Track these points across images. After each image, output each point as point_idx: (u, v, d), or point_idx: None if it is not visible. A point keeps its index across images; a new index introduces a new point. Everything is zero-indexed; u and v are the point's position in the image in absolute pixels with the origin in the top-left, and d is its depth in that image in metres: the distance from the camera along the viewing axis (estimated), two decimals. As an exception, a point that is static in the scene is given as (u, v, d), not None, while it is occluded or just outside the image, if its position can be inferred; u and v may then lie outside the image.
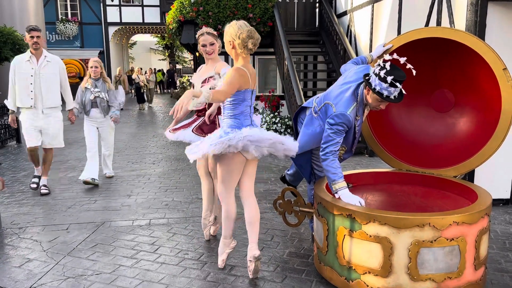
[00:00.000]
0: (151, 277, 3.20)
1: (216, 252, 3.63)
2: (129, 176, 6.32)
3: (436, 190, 3.46)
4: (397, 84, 2.92)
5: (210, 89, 2.81)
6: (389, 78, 2.89)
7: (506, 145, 4.58)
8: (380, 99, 3.00)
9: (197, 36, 3.75)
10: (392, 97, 2.97)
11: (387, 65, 2.93)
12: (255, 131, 3.03)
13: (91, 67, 5.79)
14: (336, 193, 3.03)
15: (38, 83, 5.22)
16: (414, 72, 2.99)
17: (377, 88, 2.96)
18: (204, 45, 3.68)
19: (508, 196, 4.87)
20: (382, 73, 2.92)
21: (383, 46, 3.65)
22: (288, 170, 4.11)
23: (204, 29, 3.74)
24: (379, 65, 2.98)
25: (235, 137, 2.95)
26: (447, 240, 2.63)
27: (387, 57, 3.01)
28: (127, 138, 9.94)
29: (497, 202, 4.81)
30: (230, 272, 3.27)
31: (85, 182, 5.65)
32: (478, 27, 4.47)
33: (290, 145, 3.10)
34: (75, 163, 7.24)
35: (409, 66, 3.00)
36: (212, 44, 3.71)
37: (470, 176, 4.69)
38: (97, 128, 5.96)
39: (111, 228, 4.22)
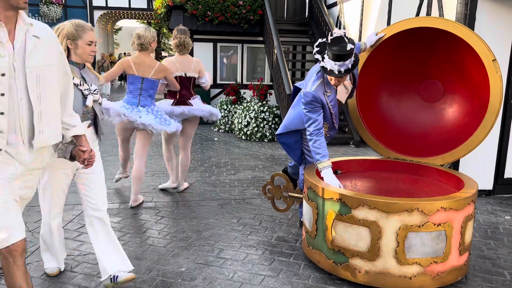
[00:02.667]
0: (139, 259, 3.19)
1: (204, 235, 3.64)
2: (115, 160, 6.25)
3: (423, 177, 3.52)
4: (330, 57, 2.96)
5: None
6: (327, 53, 2.99)
7: (491, 138, 4.69)
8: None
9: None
10: (336, 71, 2.99)
11: (329, 39, 2.99)
12: (114, 104, 4.05)
13: (89, 44, 2.66)
14: (321, 171, 3.11)
15: (16, 91, 1.95)
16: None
17: (322, 63, 3.05)
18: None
19: (490, 187, 4.98)
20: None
21: (376, 35, 3.67)
22: (290, 163, 4.11)
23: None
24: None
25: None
26: (434, 225, 2.68)
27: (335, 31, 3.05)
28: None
29: (480, 193, 4.91)
30: (219, 255, 3.28)
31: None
32: (468, 19, 4.52)
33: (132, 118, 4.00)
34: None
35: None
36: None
37: (455, 167, 4.78)
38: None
39: (98, 210, 4.18)
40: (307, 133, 3.21)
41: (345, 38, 2.98)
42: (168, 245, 3.44)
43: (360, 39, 8.27)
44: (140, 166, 4.26)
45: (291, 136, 3.62)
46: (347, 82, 3.37)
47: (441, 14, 5.37)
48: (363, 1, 8.18)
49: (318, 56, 3.10)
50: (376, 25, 7.53)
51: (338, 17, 9.64)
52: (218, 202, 4.52)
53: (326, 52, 3.02)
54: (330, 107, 3.29)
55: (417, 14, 6.01)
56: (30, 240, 3.46)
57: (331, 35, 3.00)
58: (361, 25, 8.27)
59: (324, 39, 3.10)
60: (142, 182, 4.51)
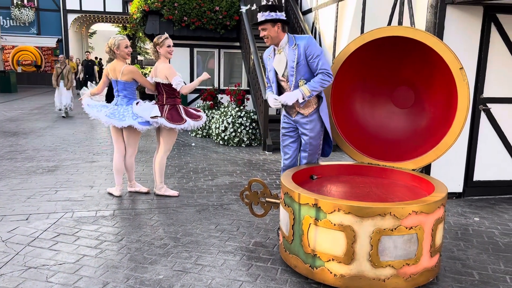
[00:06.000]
0: (116, 267, 3.18)
1: (182, 242, 3.65)
2: (90, 167, 6.18)
3: (396, 182, 3.62)
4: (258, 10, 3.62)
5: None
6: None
7: (460, 142, 4.87)
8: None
9: (163, 39, 4.65)
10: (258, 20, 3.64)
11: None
12: (93, 102, 4.78)
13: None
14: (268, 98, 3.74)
15: None
16: None
17: None
18: (169, 46, 4.70)
19: (460, 190, 5.15)
20: None
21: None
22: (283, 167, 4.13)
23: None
24: None
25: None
26: (406, 228, 2.77)
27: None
28: (87, 129, 9.69)
29: (450, 196, 5.07)
30: (196, 262, 3.30)
31: None
32: (437, 28, 4.68)
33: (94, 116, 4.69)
34: (33, 153, 7.00)
35: None
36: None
37: (426, 171, 4.93)
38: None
39: (74, 218, 4.13)
40: None
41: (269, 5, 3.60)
42: (145, 253, 3.43)
43: (335, 45, 8.43)
44: (115, 157, 4.85)
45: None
46: (283, 55, 3.63)
47: (412, 22, 5.54)
48: (337, 8, 8.33)
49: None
50: (350, 32, 7.68)
51: (313, 24, 9.78)
52: (196, 208, 4.54)
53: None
54: (268, 69, 3.76)
55: (389, 22, 6.17)
56: (4, 250, 3.39)
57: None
58: (335, 31, 8.43)
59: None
60: (123, 173, 4.93)
